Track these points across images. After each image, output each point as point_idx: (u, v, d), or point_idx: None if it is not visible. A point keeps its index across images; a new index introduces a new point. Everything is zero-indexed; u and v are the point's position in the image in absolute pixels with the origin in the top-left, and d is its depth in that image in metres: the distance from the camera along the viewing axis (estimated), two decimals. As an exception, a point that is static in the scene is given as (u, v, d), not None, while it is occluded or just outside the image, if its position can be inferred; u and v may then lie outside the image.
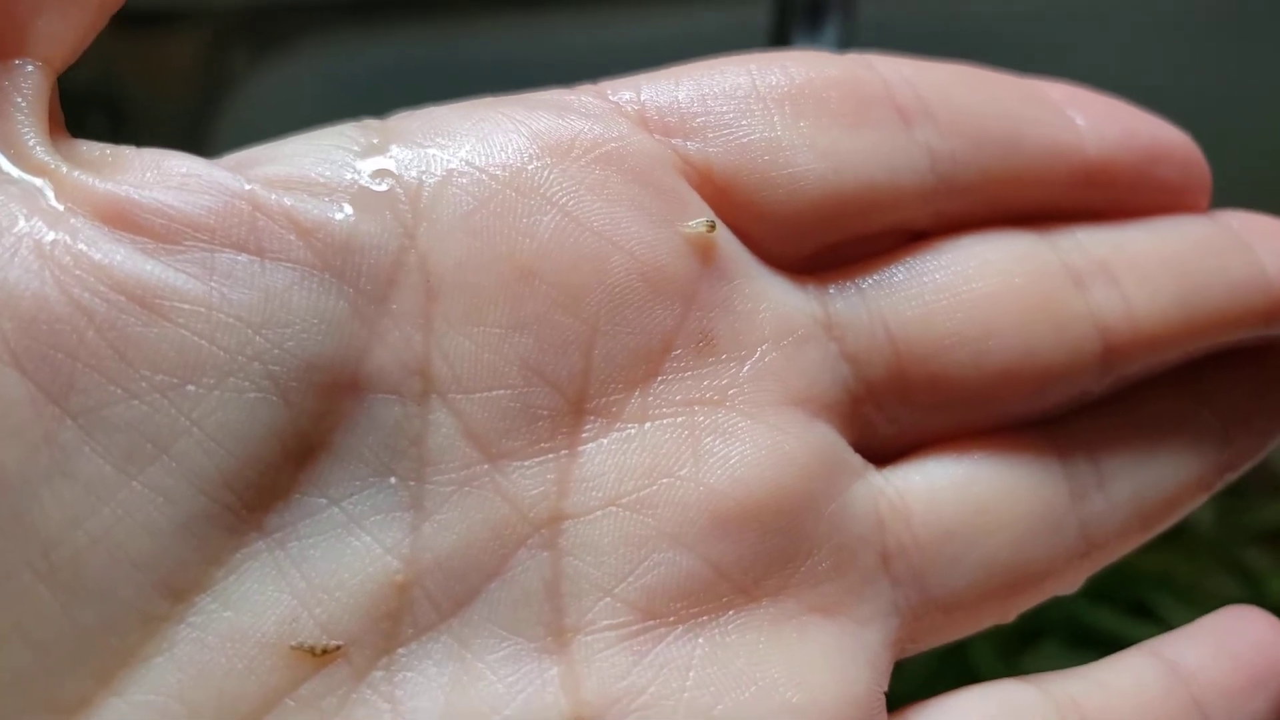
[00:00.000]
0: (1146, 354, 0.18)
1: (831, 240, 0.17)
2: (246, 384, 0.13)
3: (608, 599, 0.15)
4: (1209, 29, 0.56)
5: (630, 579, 0.15)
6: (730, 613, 0.15)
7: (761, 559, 0.15)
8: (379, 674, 0.14)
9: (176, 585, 0.13)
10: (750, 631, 0.15)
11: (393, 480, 0.14)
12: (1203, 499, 0.19)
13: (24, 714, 0.12)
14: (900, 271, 0.17)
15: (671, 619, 0.15)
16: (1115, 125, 0.18)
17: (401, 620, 0.14)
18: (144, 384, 0.13)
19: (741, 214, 0.16)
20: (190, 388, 0.13)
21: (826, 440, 0.16)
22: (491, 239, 0.14)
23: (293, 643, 0.13)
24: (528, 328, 0.14)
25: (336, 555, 0.14)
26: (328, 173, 0.14)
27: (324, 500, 0.14)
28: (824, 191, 0.16)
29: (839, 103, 0.17)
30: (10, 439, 0.12)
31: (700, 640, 0.15)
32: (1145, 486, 0.18)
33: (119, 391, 0.13)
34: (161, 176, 0.13)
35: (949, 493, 0.17)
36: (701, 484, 0.15)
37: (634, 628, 0.14)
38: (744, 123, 0.16)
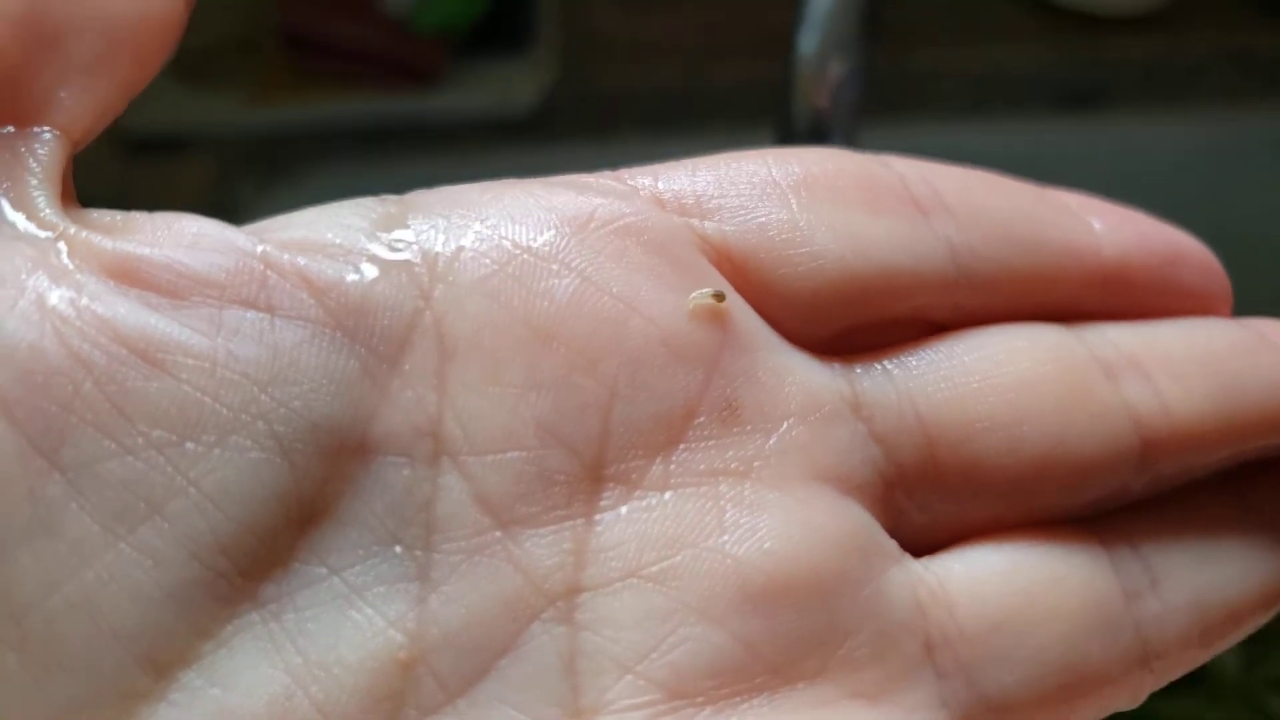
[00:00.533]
0: (1184, 452, 0.17)
1: (852, 323, 0.16)
2: (249, 443, 0.12)
3: (630, 676, 0.13)
4: (1200, 161, 0.57)
5: (654, 655, 0.13)
6: (764, 694, 0.14)
7: (795, 638, 0.14)
8: None
9: (160, 659, 0.12)
10: (787, 715, 0.14)
11: (398, 549, 0.13)
12: (1268, 615, 0.17)
13: None
14: (928, 355, 0.17)
15: (700, 699, 0.13)
16: (1131, 229, 0.18)
17: (405, 702, 0.13)
18: (140, 440, 0.12)
19: (760, 293, 0.16)
20: (190, 445, 0.12)
21: (859, 520, 0.15)
22: (509, 301, 0.14)
23: None
24: (544, 389, 0.14)
25: (336, 629, 0.13)
26: (344, 237, 0.14)
27: (324, 570, 0.13)
28: (843, 271, 0.16)
29: (855, 191, 0.17)
30: None
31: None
32: (1203, 592, 0.17)
33: (113, 446, 0.12)
34: (173, 236, 0.13)
35: (993, 582, 0.16)
36: (729, 556, 0.14)
37: (659, 708, 0.13)
38: (761, 205, 0.16)
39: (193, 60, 0.57)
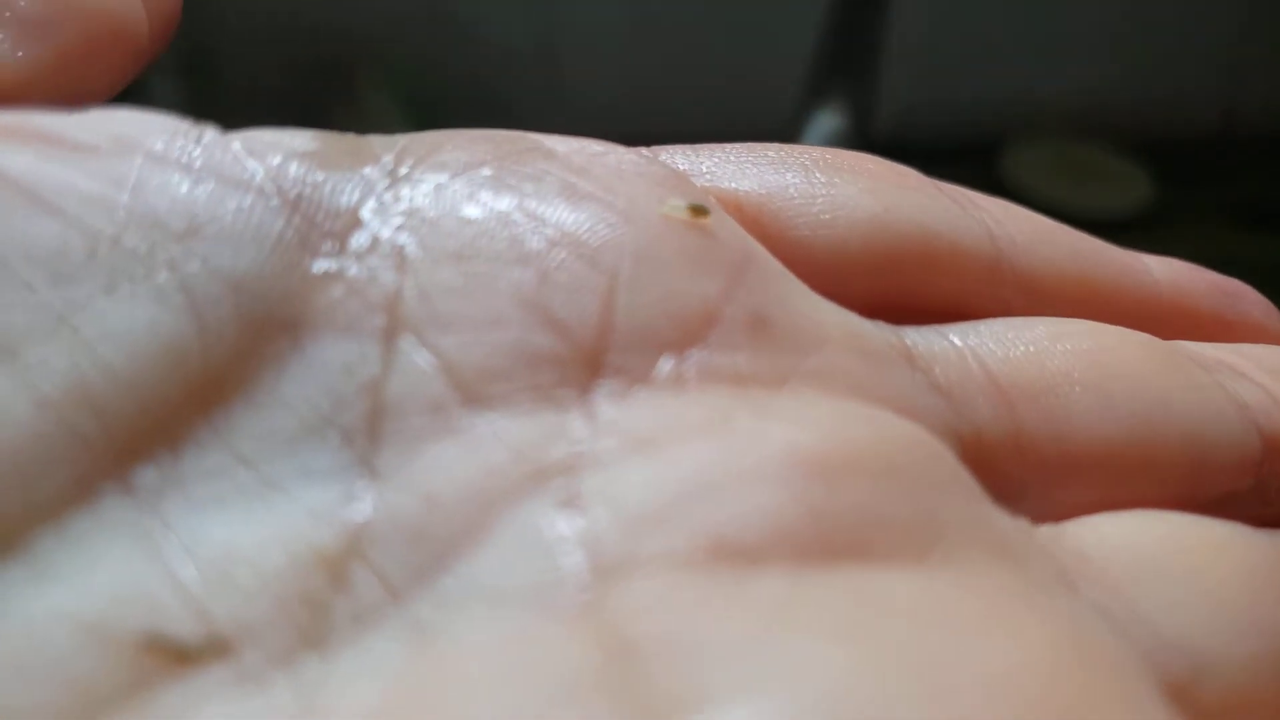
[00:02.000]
0: None
1: (886, 293, 0.14)
2: (148, 294, 0.10)
3: (660, 530, 0.10)
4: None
5: (692, 509, 0.10)
6: (848, 565, 0.10)
7: (874, 517, 0.11)
8: (279, 679, 0.09)
9: None
10: (885, 584, 0.10)
11: (333, 436, 0.10)
12: None
13: None
14: (985, 323, 0.14)
15: (757, 558, 0.10)
16: (1180, 264, 0.16)
17: (331, 607, 0.10)
18: (5, 276, 0.10)
19: (781, 250, 0.13)
20: (71, 288, 0.10)
21: (935, 444, 0.12)
22: (485, 186, 0.12)
23: (144, 631, 0.09)
24: (530, 265, 0.11)
25: (234, 524, 0.10)
26: (297, 134, 0.12)
27: (228, 457, 0.10)
28: (871, 225, 0.14)
29: (882, 170, 0.15)
30: None
31: (810, 581, 0.10)
32: None
33: None
34: (95, 110, 0.12)
35: (1123, 539, 0.13)
36: (772, 432, 0.11)
37: (704, 558, 0.10)
38: (775, 171, 0.14)
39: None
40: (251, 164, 0.11)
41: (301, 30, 0.66)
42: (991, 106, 0.73)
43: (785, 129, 0.60)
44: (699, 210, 0.12)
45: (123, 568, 0.09)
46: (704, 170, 0.14)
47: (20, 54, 0.12)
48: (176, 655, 0.09)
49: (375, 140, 0.12)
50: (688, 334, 0.12)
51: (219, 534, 0.10)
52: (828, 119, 0.58)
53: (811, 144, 0.60)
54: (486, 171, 0.12)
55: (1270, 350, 0.15)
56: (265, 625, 0.09)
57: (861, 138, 0.58)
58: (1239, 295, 0.16)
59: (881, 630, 0.10)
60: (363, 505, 0.10)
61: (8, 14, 0.12)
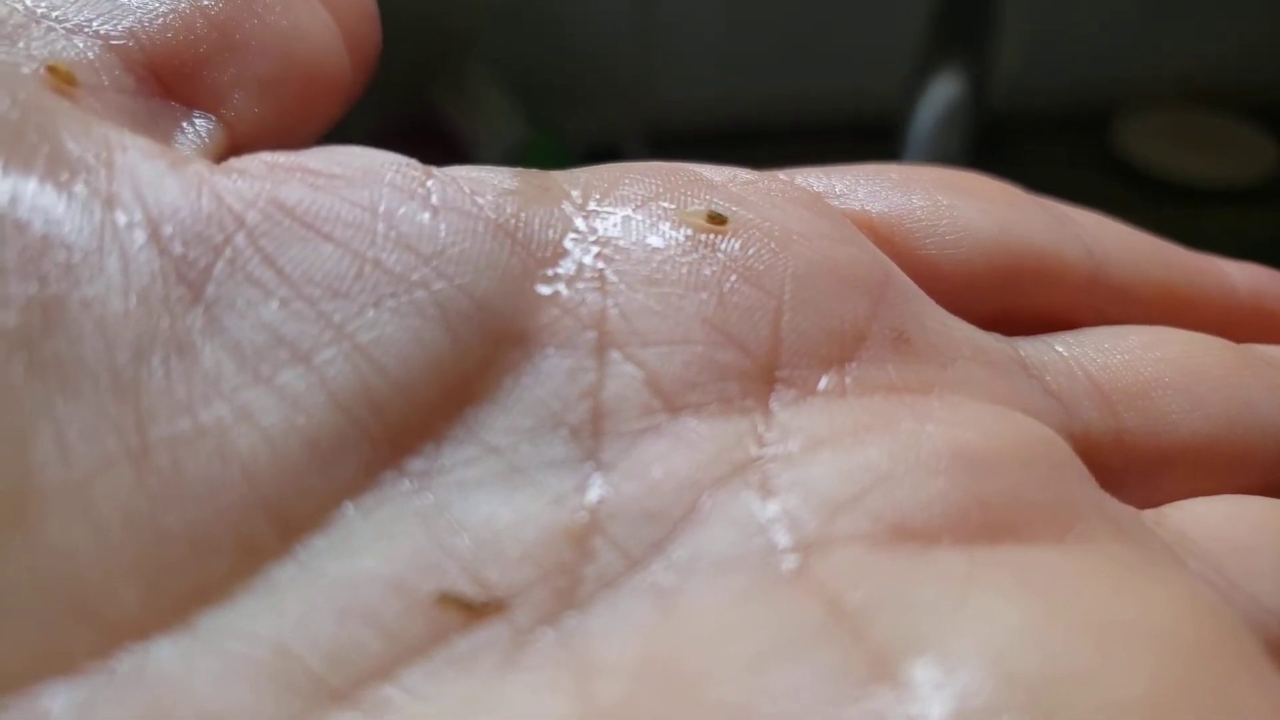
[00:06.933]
0: None
1: (1004, 307, 0.16)
2: (410, 308, 0.12)
3: (849, 515, 0.12)
4: None
5: (873, 494, 0.12)
6: (1008, 544, 0.12)
7: (1027, 500, 0.12)
8: (549, 633, 0.11)
9: (290, 515, 0.11)
10: (1040, 558, 0.12)
11: (564, 431, 0.12)
12: None
13: (55, 622, 0.10)
14: (1084, 333, 0.16)
15: (934, 538, 0.12)
16: (1257, 269, 0.18)
17: (581, 574, 0.11)
18: (291, 291, 0.11)
19: (911, 266, 0.15)
20: (346, 303, 0.12)
21: (1059, 441, 0.14)
22: (663, 217, 0.14)
23: (438, 590, 0.11)
24: (710, 291, 0.13)
25: (495, 503, 0.12)
26: (497, 172, 0.14)
27: (481, 449, 0.12)
28: (994, 245, 0.16)
29: (992, 190, 0.17)
30: (126, 294, 0.11)
31: (982, 557, 0.12)
32: None
33: (260, 294, 0.11)
34: (336, 149, 0.13)
35: (1219, 522, 0.14)
36: (932, 431, 0.13)
37: (888, 538, 0.12)
38: (899, 191, 0.16)
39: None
40: (465, 197, 0.13)
41: (408, 26, 0.67)
42: (1108, 74, 0.71)
43: (896, 109, 0.59)
44: (717, 219, 0.14)
45: (411, 539, 0.11)
46: (837, 192, 0.16)
47: (256, 110, 0.14)
48: (466, 610, 0.11)
49: (559, 176, 0.14)
50: (844, 350, 0.14)
51: (482, 512, 0.11)
52: (941, 92, 0.57)
53: (925, 122, 0.59)
54: (664, 204, 0.14)
55: None
56: (530, 588, 0.11)
57: (975, 111, 0.57)
58: None
59: (1046, 592, 0.11)
60: (597, 488, 0.12)
61: (249, 75, 0.14)
